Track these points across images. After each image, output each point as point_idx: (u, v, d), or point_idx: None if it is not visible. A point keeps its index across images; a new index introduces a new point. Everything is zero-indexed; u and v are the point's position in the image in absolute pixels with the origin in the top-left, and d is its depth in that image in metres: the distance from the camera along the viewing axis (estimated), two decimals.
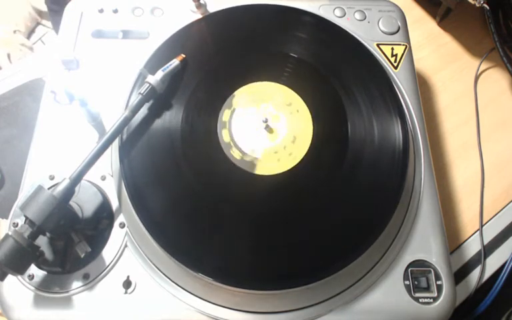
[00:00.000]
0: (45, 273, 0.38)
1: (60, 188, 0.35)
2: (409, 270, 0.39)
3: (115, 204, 0.41)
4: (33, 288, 0.38)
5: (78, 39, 0.50)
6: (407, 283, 0.38)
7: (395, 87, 0.47)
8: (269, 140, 0.44)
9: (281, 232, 0.39)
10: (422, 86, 0.58)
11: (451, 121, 0.57)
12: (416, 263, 0.39)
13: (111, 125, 0.40)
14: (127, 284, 0.38)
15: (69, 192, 0.36)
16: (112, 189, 0.42)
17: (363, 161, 0.43)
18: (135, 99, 0.42)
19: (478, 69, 0.61)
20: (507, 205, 0.51)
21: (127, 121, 0.41)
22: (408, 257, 0.39)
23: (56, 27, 0.65)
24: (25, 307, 0.37)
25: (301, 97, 0.46)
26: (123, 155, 0.42)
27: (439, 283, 0.38)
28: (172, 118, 0.44)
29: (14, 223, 0.38)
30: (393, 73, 0.49)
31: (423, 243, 0.40)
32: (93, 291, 0.38)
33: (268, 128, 0.45)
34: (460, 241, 0.49)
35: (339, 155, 0.43)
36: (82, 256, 0.36)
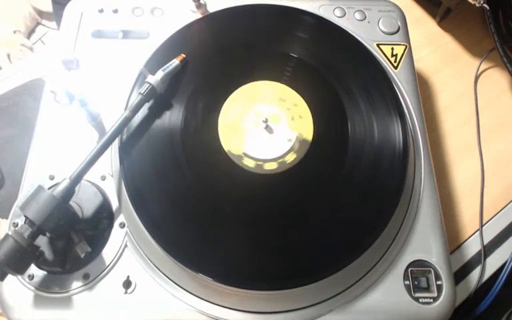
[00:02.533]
0: (45, 272, 0.38)
1: (60, 188, 0.35)
2: (409, 270, 0.39)
3: (114, 204, 0.41)
4: (32, 288, 0.38)
5: (78, 38, 0.50)
6: (407, 282, 0.38)
7: (394, 87, 0.47)
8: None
9: (281, 232, 0.39)
10: (422, 86, 0.58)
11: (451, 121, 0.57)
12: (416, 263, 0.39)
13: (111, 125, 0.40)
14: (127, 284, 0.38)
15: (69, 192, 0.36)
16: (112, 189, 0.42)
17: (362, 161, 0.43)
18: (135, 98, 0.42)
19: (478, 69, 0.61)
20: (507, 205, 0.51)
21: (127, 121, 0.41)
22: (408, 257, 0.39)
23: (59, 20, 0.65)
24: (25, 307, 0.37)
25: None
26: (122, 155, 0.42)
27: (438, 282, 0.38)
28: (172, 118, 0.44)
29: (14, 223, 0.38)
30: (392, 73, 0.49)
31: (423, 243, 0.40)
32: (92, 291, 0.38)
33: (268, 128, 0.45)
34: (460, 241, 0.49)
35: (339, 154, 0.43)
36: (82, 256, 0.36)
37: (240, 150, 0.43)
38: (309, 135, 0.44)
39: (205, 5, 0.51)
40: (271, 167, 0.42)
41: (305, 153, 0.43)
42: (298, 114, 0.45)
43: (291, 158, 0.43)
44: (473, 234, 0.49)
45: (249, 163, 0.42)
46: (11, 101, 0.59)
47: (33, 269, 0.38)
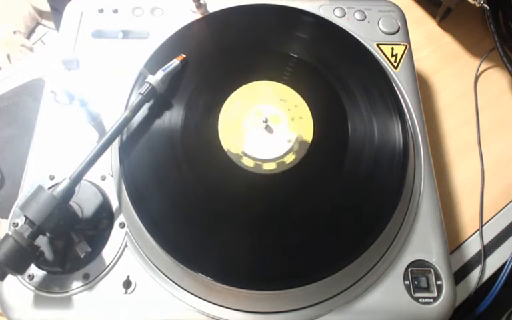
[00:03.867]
0: (44, 272, 0.38)
1: (60, 188, 0.35)
2: (409, 270, 0.39)
3: (115, 204, 0.41)
4: (32, 288, 0.38)
5: (78, 38, 0.50)
6: (407, 282, 0.38)
7: (394, 87, 0.47)
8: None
9: (281, 232, 0.39)
10: (422, 86, 0.58)
11: (451, 121, 0.57)
12: (416, 263, 0.39)
13: (111, 125, 0.40)
14: (127, 284, 0.38)
15: (69, 192, 0.36)
16: (112, 189, 0.42)
17: (362, 161, 0.43)
18: (135, 98, 0.42)
19: (478, 69, 0.61)
20: (507, 205, 0.51)
21: (127, 121, 0.41)
22: (408, 257, 0.39)
23: (57, 24, 0.65)
24: (25, 307, 0.37)
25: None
26: (122, 155, 0.42)
27: (438, 282, 0.38)
28: (172, 118, 0.44)
29: (14, 223, 0.38)
30: (392, 73, 0.49)
31: (423, 242, 0.40)
32: (92, 291, 0.38)
33: (268, 128, 0.45)
34: (460, 241, 0.49)
35: (339, 154, 0.43)
36: (82, 256, 0.36)
37: (239, 150, 0.43)
38: (308, 136, 0.44)
39: (205, 5, 0.51)
40: (270, 166, 0.42)
41: (305, 153, 0.43)
42: (298, 115, 0.45)
43: (290, 158, 0.43)
44: (473, 234, 0.49)
45: (248, 163, 0.42)
46: (10, 100, 0.59)
47: (33, 269, 0.38)
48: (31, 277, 0.38)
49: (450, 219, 0.50)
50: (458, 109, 0.58)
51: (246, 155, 0.43)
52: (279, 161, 0.43)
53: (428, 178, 0.44)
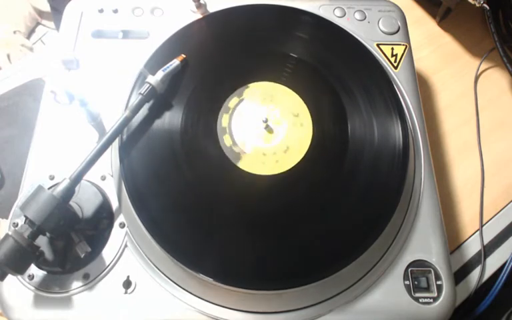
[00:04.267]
0: (45, 272, 0.38)
1: (60, 188, 0.35)
2: (409, 270, 0.39)
3: (115, 204, 0.41)
4: (32, 288, 0.38)
5: (78, 39, 0.50)
6: (407, 282, 0.38)
7: (394, 87, 0.47)
8: (268, 140, 0.44)
9: (281, 232, 0.39)
10: (422, 86, 0.58)
11: (451, 121, 0.57)
12: (416, 263, 0.39)
13: (111, 125, 0.40)
14: (127, 284, 0.38)
15: (69, 192, 0.36)
16: (112, 189, 0.42)
17: (362, 161, 0.43)
18: (135, 99, 0.42)
19: (478, 69, 0.61)
20: (507, 205, 0.51)
21: (127, 121, 0.41)
22: (408, 257, 0.39)
23: (57, 24, 0.65)
24: (25, 307, 0.37)
25: (301, 96, 0.46)
26: (123, 155, 0.42)
27: (438, 283, 0.38)
28: (172, 118, 0.44)
29: (14, 223, 0.38)
30: (392, 73, 0.49)
31: (423, 242, 0.40)
32: (92, 291, 0.38)
33: (268, 128, 0.45)
34: (460, 241, 0.49)
35: (339, 155, 0.43)
36: (82, 256, 0.36)
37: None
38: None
39: (205, 5, 0.51)
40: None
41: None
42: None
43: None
44: (473, 234, 0.49)
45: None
46: (10, 100, 0.59)
47: (33, 269, 0.38)
48: (31, 277, 0.38)
49: (450, 218, 0.50)
50: (458, 109, 0.58)
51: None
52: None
53: (428, 178, 0.44)
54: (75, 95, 0.41)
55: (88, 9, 0.52)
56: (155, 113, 0.44)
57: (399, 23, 0.53)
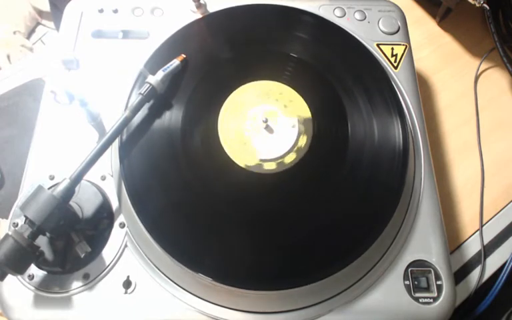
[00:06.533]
0: (45, 273, 0.38)
1: (60, 188, 0.35)
2: (409, 270, 0.39)
3: (115, 204, 0.41)
4: (32, 288, 0.38)
5: (78, 39, 0.50)
6: (407, 282, 0.38)
7: (394, 87, 0.47)
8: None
9: (281, 232, 0.39)
10: (422, 86, 0.58)
11: (451, 121, 0.57)
12: (416, 263, 0.39)
13: (111, 125, 0.40)
14: (127, 284, 0.38)
15: (69, 192, 0.36)
16: (112, 189, 0.42)
17: (362, 161, 0.43)
18: (135, 99, 0.42)
19: (478, 69, 0.61)
20: (507, 205, 0.51)
21: (127, 121, 0.41)
22: (408, 257, 0.39)
23: (57, 23, 0.65)
24: (25, 307, 0.37)
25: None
26: (123, 155, 0.42)
27: (438, 283, 0.38)
28: (172, 118, 0.44)
29: (14, 223, 0.38)
30: (392, 73, 0.49)
31: (423, 242, 0.40)
32: (92, 291, 0.38)
33: (268, 128, 0.45)
34: (460, 241, 0.49)
35: (339, 154, 0.43)
36: (82, 256, 0.36)
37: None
38: (306, 112, 0.45)
39: (205, 5, 0.51)
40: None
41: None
42: (288, 99, 0.46)
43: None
44: (473, 234, 0.49)
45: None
46: (10, 100, 0.59)
47: (33, 269, 0.38)
48: (31, 277, 0.38)
49: (450, 219, 0.50)
50: (458, 109, 0.58)
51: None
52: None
53: (428, 178, 0.44)
54: (75, 95, 0.41)
55: (88, 8, 0.52)
56: (155, 113, 0.44)
57: (399, 23, 0.53)
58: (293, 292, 0.37)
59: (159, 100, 0.44)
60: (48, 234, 0.36)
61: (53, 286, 0.38)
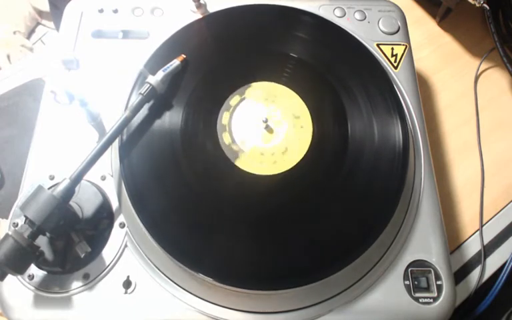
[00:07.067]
0: (45, 273, 0.38)
1: (60, 188, 0.35)
2: (409, 270, 0.39)
3: (115, 204, 0.41)
4: (32, 288, 0.38)
5: (78, 39, 0.50)
6: (407, 282, 0.38)
7: (394, 87, 0.47)
8: (268, 140, 0.44)
9: (281, 232, 0.39)
10: (422, 86, 0.58)
11: (451, 121, 0.57)
12: (416, 263, 0.39)
13: (111, 125, 0.40)
14: (127, 284, 0.38)
15: (69, 192, 0.36)
16: (112, 189, 0.42)
17: (362, 161, 0.43)
18: (136, 99, 0.42)
19: (478, 69, 0.61)
20: (507, 205, 0.51)
21: (127, 121, 0.41)
22: (408, 257, 0.39)
23: (57, 23, 0.65)
24: (25, 307, 0.37)
25: (301, 96, 0.46)
26: (123, 155, 0.42)
27: (438, 283, 0.38)
28: (172, 118, 0.44)
29: (14, 223, 0.38)
30: (392, 73, 0.49)
31: (423, 242, 0.40)
32: (92, 291, 0.38)
33: (268, 128, 0.45)
34: (460, 241, 0.49)
35: (339, 154, 0.43)
36: (82, 256, 0.36)
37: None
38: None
39: (205, 5, 0.51)
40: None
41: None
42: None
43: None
44: (473, 234, 0.49)
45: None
46: (10, 100, 0.59)
47: (33, 269, 0.38)
48: (31, 277, 0.38)
49: (450, 219, 0.50)
50: (458, 109, 0.58)
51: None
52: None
53: (428, 178, 0.44)
54: (75, 95, 0.41)
55: (88, 8, 0.52)
56: (155, 113, 0.44)
57: (399, 23, 0.53)
58: (292, 292, 0.37)
59: (159, 100, 0.44)
60: (48, 234, 0.36)
61: (53, 286, 0.38)
